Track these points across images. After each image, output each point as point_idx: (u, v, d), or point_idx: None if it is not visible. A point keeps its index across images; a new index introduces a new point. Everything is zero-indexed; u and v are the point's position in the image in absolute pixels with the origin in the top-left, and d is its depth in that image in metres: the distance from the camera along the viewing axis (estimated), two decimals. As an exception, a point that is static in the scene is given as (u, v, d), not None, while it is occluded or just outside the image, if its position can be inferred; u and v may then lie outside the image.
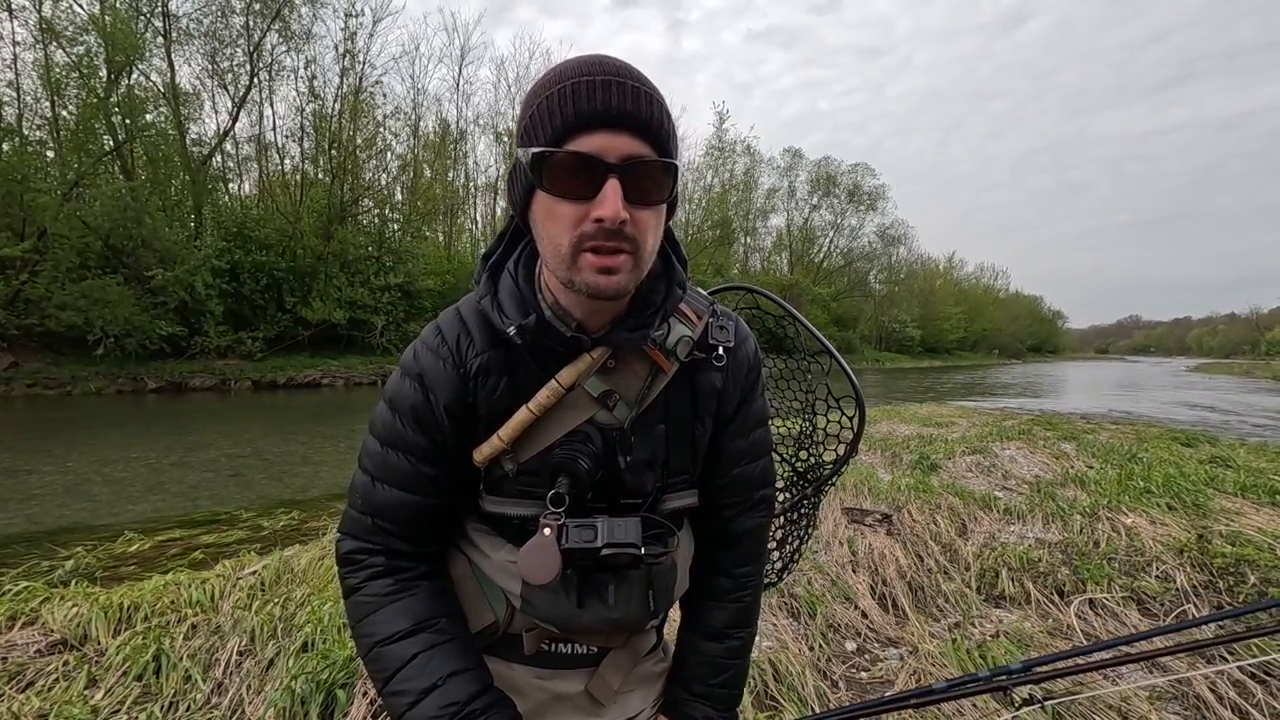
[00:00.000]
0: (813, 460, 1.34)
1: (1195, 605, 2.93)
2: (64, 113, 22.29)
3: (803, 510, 1.38)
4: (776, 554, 1.41)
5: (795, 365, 1.34)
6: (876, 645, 2.80)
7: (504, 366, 0.79)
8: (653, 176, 0.68)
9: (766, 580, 1.29)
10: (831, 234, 63.54)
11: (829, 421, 1.28)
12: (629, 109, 0.66)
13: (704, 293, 0.92)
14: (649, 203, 0.69)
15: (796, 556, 1.41)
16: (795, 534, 1.41)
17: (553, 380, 0.77)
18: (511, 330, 0.74)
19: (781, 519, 1.39)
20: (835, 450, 1.27)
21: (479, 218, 40.03)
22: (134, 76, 23.53)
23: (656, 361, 0.81)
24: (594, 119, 0.65)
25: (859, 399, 1.18)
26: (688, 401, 0.85)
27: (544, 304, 0.79)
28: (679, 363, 0.82)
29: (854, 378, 1.20)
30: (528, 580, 0.72)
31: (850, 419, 1.22)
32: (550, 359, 0.79)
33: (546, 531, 0.72)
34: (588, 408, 0.80)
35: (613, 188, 0.65)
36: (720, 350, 0.85)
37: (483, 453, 0.79)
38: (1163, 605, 2.99)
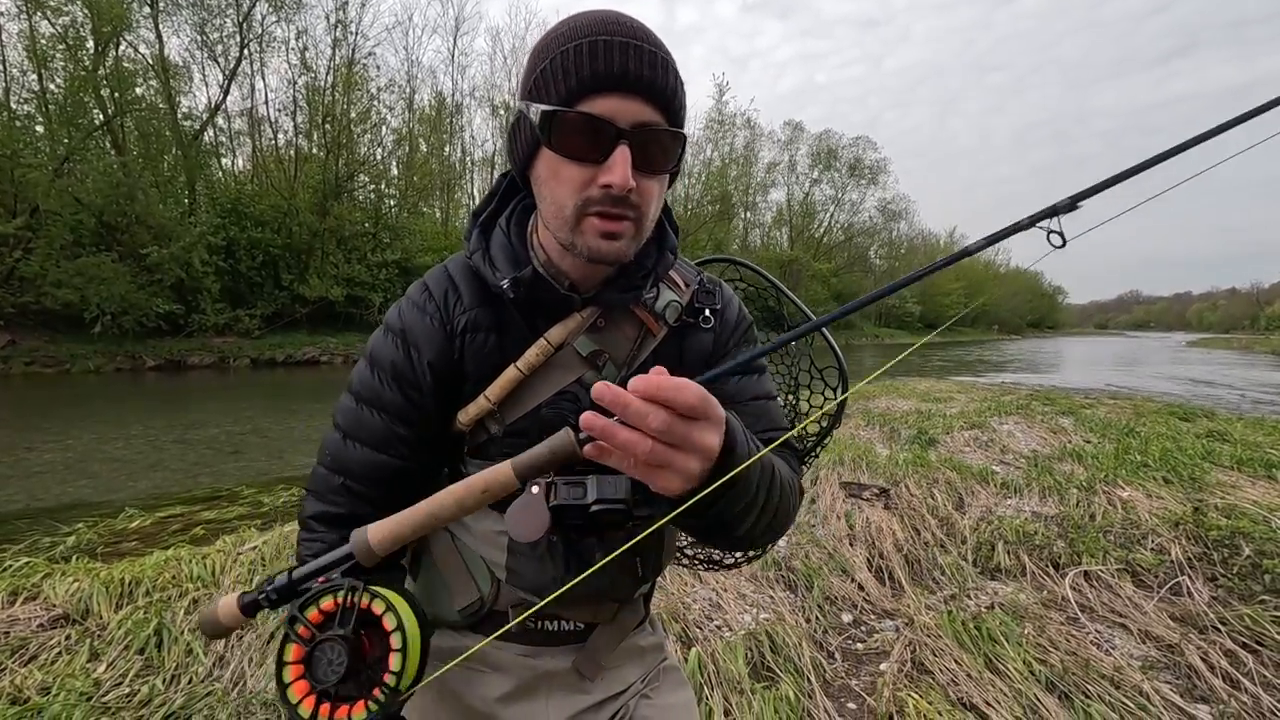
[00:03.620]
0: (798, 432, 1.32)
1: (1190, 576, 2.95)
2: (52, 86, 21.87)
3: None
4: None
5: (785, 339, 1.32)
6: (873, 617, 2.83)
7: (492, 323, 0.78)
8: (662, 145, 0.68)
9: (754, 551, 1.29)
10: (832, 209, 63.12)
11: (813, 393, 1.27)
12: (645, 74, 0.65)
13: (690, 263, 0.92)
14: (655, 171, 0.69)
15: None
16: None
17: (541, 338, 0.76)
18: (505, 283, 0.74)
19: None
20: (820, 422, 1.25)
21: (476, 193, 39.58)
22: (121, 48, 23.07)
23: (645, 323, 0.81)
24: (608, 81, 0.64)
25: (841, 368, 1.17)
26: (675, 365, 0.82)
27: (536, 261, 0.78)
28: (667, 327, 0.82)
29: (838, 349, 1.17)
30: (515, 537, 0.70)
31: (834, 389, 1.21)
32: (540, 317, 0.78)
33: (534, 489, 0.70)
34: (576, 368, 0.78)
35: (622, 154, 0.64)
36: (707, 313, 0.85)
37: (469, 414, 0.78)
38: (1157, 577, 3.02)
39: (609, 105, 0.64)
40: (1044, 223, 0.58)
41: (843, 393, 1.18)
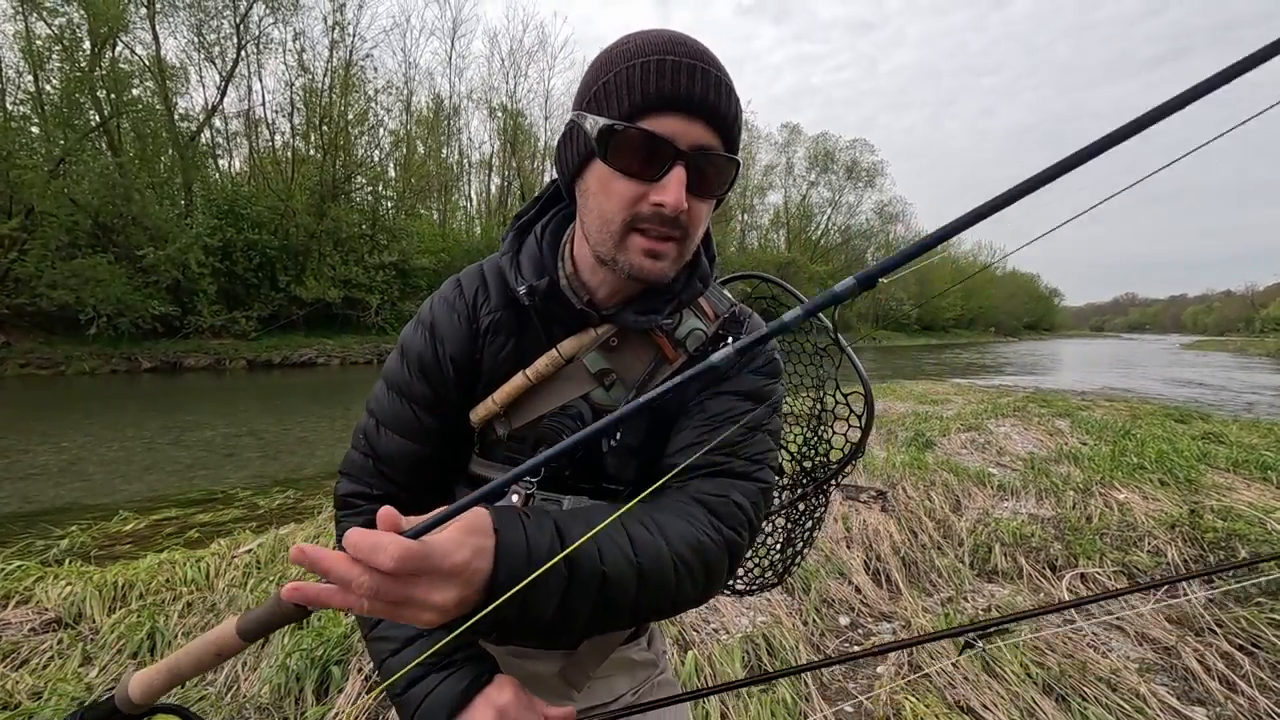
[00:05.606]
0: (818, 458, 1.28)
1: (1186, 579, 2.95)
2: (47, 87, 21.83)
3: (804, 509, 1.33)
4: (777, 555, 1.35)
5: (805, 360, 1.28)
6: (870, 620, 2.83)
7: (513, 327, 0.80)
8: (717, 169, 0.69)
9: (765, 580, 1.26)
10: (829, 211, 63.33)
11: (835, 419, 1.22)
12: (709, 98, 0.65)
13: (729, 296, 0.90)
14: (707, 195, 0.70)
15: (799, 559, 1.35)
16: (800, 535, 1.35)
17: (553, 349, 0.77)
18: (522, 289, 0.75)
19: (783, 518, 1.34)
20: (841, 450, 1.21)
21: (473, 195, 39.60)
22: (118, 49, 23.08)
23: (663, 349, 0.80)
24: (673, 101, 0.64)
25: (868, 396, 1.08)
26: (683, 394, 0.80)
27: (562, 272, 0.78)
28: (686, 355, 0.80)
29: (864, 374, 1.08)
30: None
31: (859, 416, 1.15)
32: (558, 328, 0.79)
33: (514, 498, 0.72)
34: (584, 383, 0.79)
35: (678, 175, 0.65)
36: (730, 341, 0.75)
37: (478, 413, 0.80)
38: (1153, 579, 3.02)
39: (670, 125, 0.65)
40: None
41: (867, 419, 1.12)
